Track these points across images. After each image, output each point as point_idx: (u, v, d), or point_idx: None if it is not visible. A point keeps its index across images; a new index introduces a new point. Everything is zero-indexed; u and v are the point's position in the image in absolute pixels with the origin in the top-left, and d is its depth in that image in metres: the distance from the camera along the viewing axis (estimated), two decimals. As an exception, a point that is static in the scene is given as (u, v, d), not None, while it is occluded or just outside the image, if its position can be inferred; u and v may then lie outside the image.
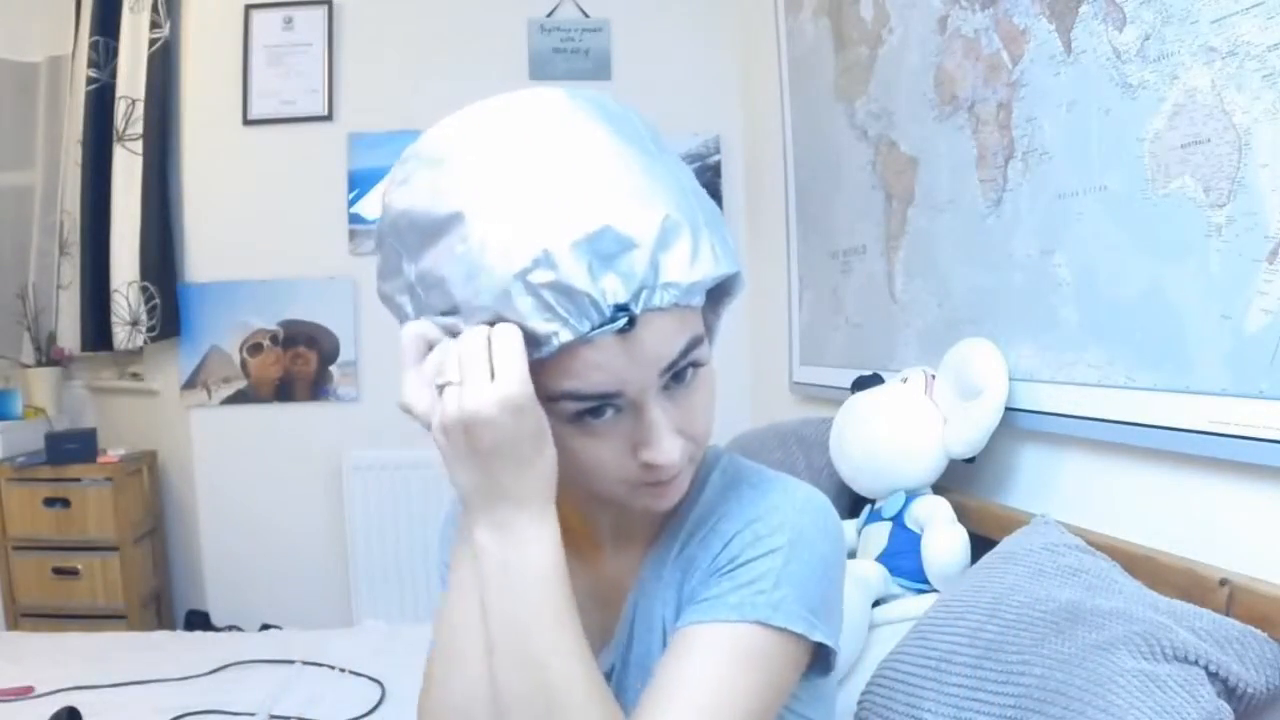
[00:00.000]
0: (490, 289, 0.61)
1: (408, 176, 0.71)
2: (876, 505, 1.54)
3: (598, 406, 0.64)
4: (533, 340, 0.61)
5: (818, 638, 0.71)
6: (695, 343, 0.66)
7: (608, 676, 0.76)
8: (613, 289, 0.60)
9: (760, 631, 0.68)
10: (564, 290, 0.59)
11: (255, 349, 2.93)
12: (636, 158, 0.64)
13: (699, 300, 0.65)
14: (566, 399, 0.64)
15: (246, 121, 2.92)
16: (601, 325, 0.60)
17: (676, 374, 0.65)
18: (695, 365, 0.67)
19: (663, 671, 0.69)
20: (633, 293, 0.60)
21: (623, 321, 0.60)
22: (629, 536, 0.80)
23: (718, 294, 0.71)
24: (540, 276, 0.59)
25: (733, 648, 0.68)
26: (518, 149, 0.64)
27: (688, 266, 0.62)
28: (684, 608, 0.72)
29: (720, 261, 0.65)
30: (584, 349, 0.61)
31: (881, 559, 1.45)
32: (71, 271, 3.01)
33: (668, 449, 0.65)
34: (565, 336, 0.60)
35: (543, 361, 0.62)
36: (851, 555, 1.55)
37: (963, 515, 1.43)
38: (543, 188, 0.61)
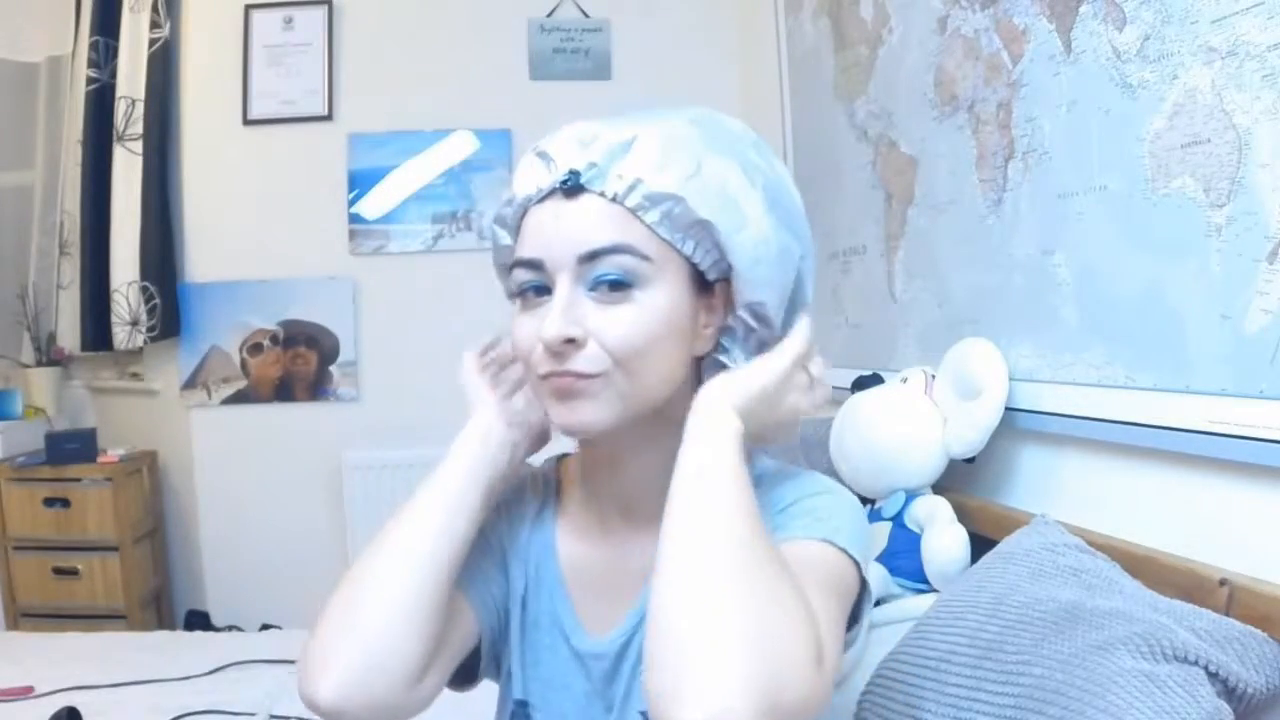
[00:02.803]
0: (518, 169, 0.76)
1: None
2: (877, 505, 1.54)
3: (533, 283, 0.71)
4: (513, 205, 0.74)
5: (866, 575, 0.75)
6: (626, 249, 0.69)
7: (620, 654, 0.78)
8: (574, 159, 0.71)
9: (828, 548, 0.72)
10: (543, 155, 0.73)
11: (255, 349, 2.93)
12: (691, 132, 0.73)
13: (649, 211, 0.69)
14: (514, 266, 0.73)
15: (246, 121, 2.92)
16: (552, 184, 0.71)
17: (605, 278, 0.69)
18: (617, 279, 0.69)
19: None
20: (585, 166, 0.70)
21: (562, 179, 0.70)
22: (642, 519, 0.78)
23: (713, 260, 0.73)
24: (539, 147, 0.73)
25: (808, 557, 0.70)
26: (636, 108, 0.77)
27: (645, 170, 0.69)
28: None
29: (690, 194, 0.69)
30: (534, 211, 0.72)
31: (881, 559, 1.45)
32: (71, 271, 3.01)
33: (549, 325, 0.68)
34: (528, 190, 0.72)
35: (519, 230, 0.74)
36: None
37: (963, 515, 1.43)
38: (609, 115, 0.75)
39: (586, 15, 2.97)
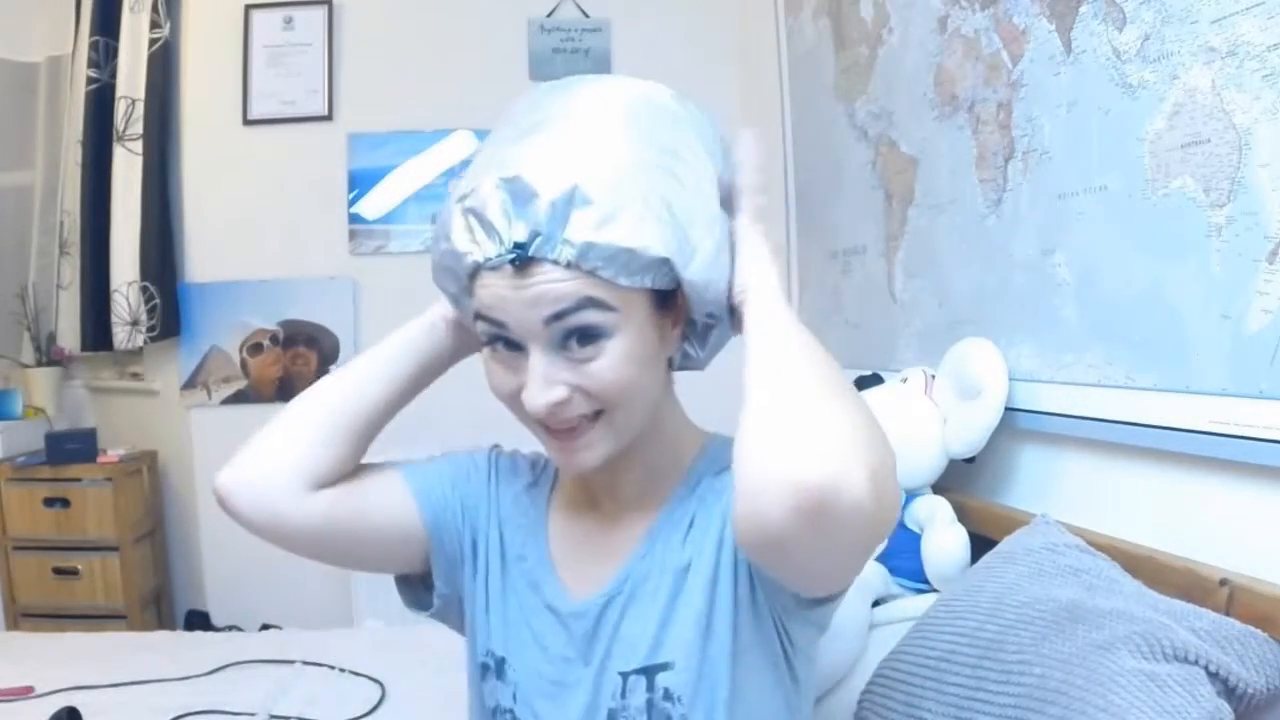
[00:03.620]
0: (444, 214, 0.74)
1: None
2: (876, 505, 1.54)
3: (496, 335, 0.72)
4: (461, 262, 0.72)
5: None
6: (588, 304, 0.69)
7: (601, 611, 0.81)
8: (517, 230, 0.68)
9: None
10: (480, 218, 0.70)
11: (255, 349, 2.93)
12: (617, 136, 0.71)
13: (605, 268, 0.69)
14: (478, 319, 0.74)
15: (246, 121, 2.92)
16: (499, 256, 0.69)
17: (573, 333, 0.70)
18: (586, 333, 0.70)
19: None
20: (530, 236, 0.68)
21: (510, 256, 0.68)
22: (628, 498, 0.84)
23: (665, 291, 0.75)
24: (468, 203, 0.70)
25: None
26: (523, 108, 0.79)
27: (592, 229, 0.68)
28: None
29: (642, 238, 0.69)
30: (488, 276, 0.71)
31: (881, 559, 1.45)
32: (71, 271, 3.01)
33: (533, 395, 0.71)
34: (475, 257, 0.70)
35: (473, 280, 0.72)
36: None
37: (963, 515, 1.43)
38: (506, 139, 0.73)
39: (586, 15, 2.97)
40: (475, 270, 0.71)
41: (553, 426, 0.74)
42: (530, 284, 0.69)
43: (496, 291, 0.70)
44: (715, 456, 0.84)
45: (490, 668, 0.87)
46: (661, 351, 0.77)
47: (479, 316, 0.73)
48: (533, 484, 0.92)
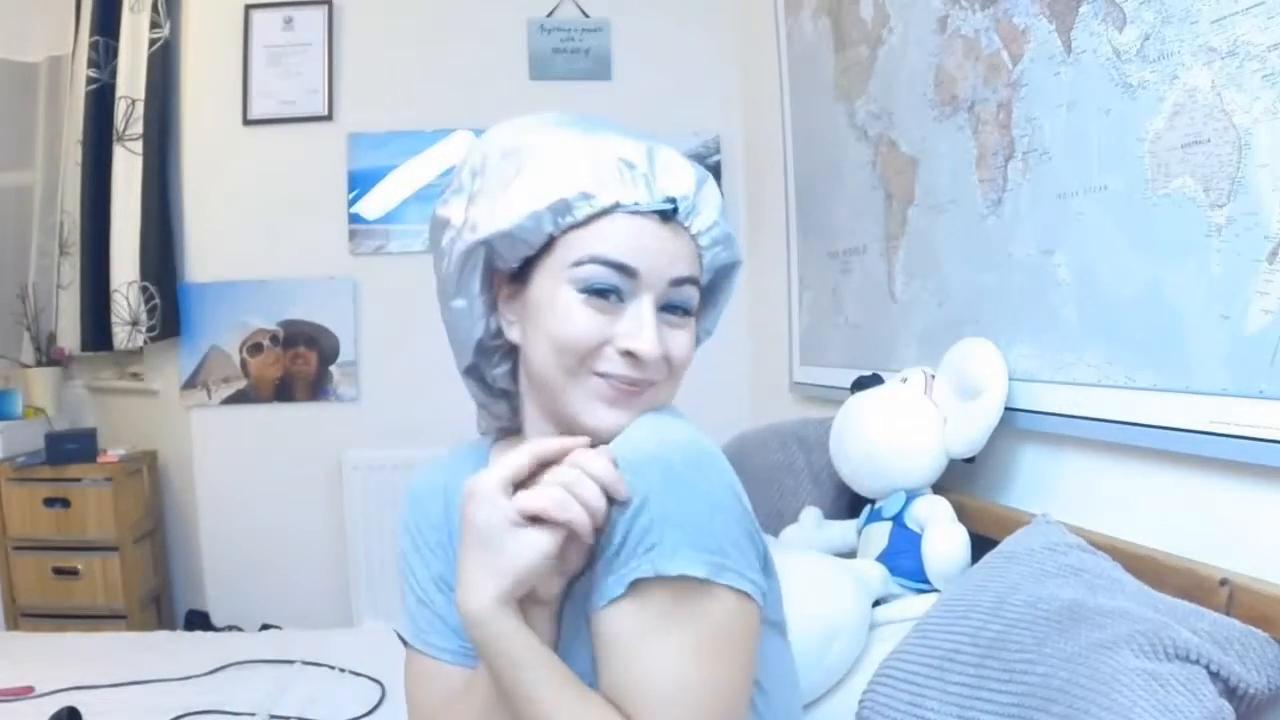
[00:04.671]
0: (551, 159, 0.76)
1: None
2: (877, 505, 1.54)
3: (608, 288, 0.73)
4: (591, 202, 0.74)
5: (727, 580, 0.68)
6: (694, 282, 0.77)
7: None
8: (672, 185, 0.75)
9: (660, 590, 0.67)
10: (633, 166, 0.74)
11: (255, 349, 2.92)
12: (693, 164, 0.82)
13: (711, 249, 0.78)
14: (593, 263, 0.73)
15: (246, 121, 2.92)
16: (652, 203, 0.74)
17: (676, 304, 0.76)
18: (687, 307, 0.77)
19: (602, 676, 0.70)
20: (681, 197, 0.75)
21: (666, 206, 0.74)
22: None
23: (712, 282, 0.83)
24: (617, 153, 0.75)
25: (642, 622, 0.67)
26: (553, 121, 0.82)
27: (715, 214, 0.78)
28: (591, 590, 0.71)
29: (731, 238, 0.80)
30: (628, 221, 0.74)
31: (882, 559, 1.45)
32: (71, 271, 3.01)
33: (650, 339, 0.73)
34: (619, 198, 0.73)
35: (589, 225, 0.74)
36: (852, 555, 1.55)
37: (963, 515, 1.43)
38: (612, 131, 0.80)
39: (586, 15, 2.97)
40: (603, 212, 0.74)
41: (627, 378, 0.74)
42: (670, 239, 0.75)
43: (638, 236, 0.74)
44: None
45: None
46: None
47: (596, 260, 0.73)
48: (446, 502, 0.87)
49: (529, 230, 0.75)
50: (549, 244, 0.75)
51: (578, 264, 0.74)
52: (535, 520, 0.68)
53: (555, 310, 0.74)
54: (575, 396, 0.75)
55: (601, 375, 0.74)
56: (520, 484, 0.71)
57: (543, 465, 0.71)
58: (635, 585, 0.67)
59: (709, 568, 0.67)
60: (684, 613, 0.67)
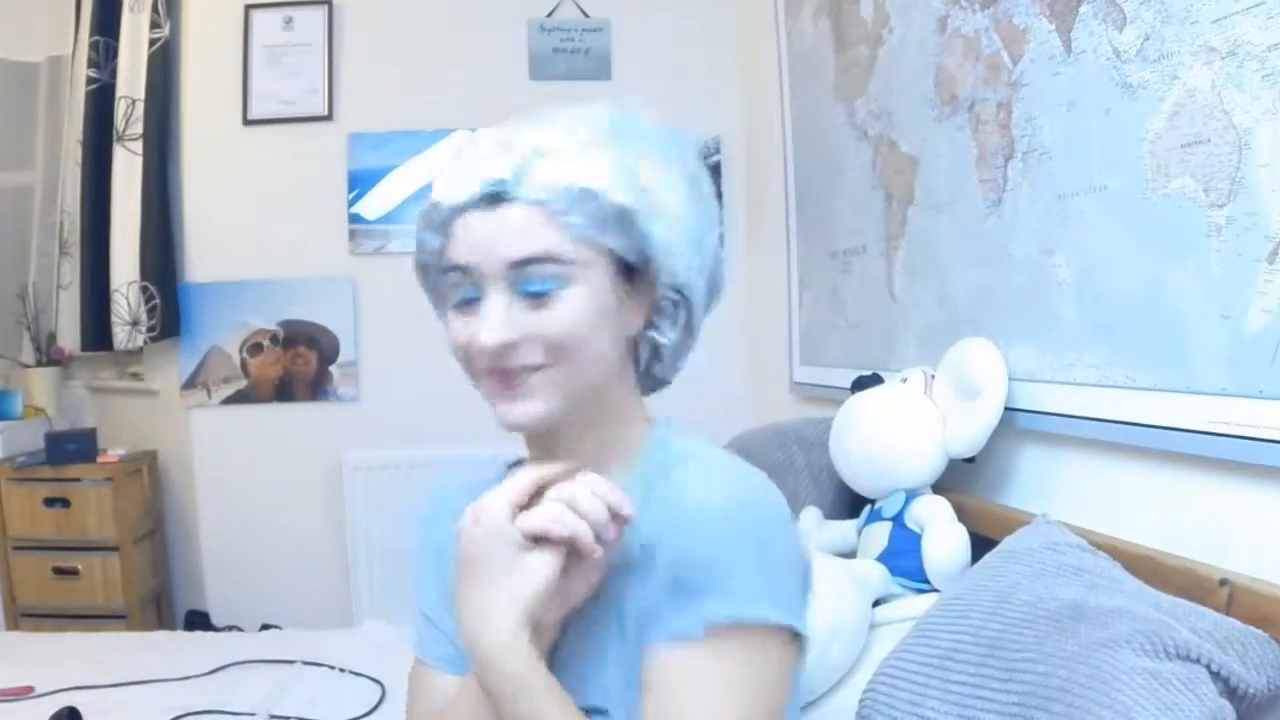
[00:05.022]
0: (437, 174, 0.76)
1: None
2: (876, 505, 1.54)
3: (460, 291, 0.74)
4: (438, 211, 0.74)
5: (790, 623, 0.70)
6: (548, 258, 0.71)
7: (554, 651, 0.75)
8: (493, 168, 0.72)
9: (731, 634, 0.68)
10: (463, 161, 0.74)
11: (255, 349, 2.92)
12: (591, 120, 0.75)
13: (569, 212, 0.71)
14: (443, 273, 0.75)
15: (246, 121, 2.92)
16: (472, 195, 0.72)
17: (531, 285, 0.72)
18: (549, 284, 0.72)
19: (653, 707, 0.69)
20: (505, 172, 0.71)
21: (487, 190, 0.71)
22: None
23: (635, 255, 0.75)
24: (457, 154, 0.75)
25: (711, 664, 0.68)
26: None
27: (560, 172, 0.71)
28: (643, 622, 0.71)
29: (604, 184, 0.71)
30: (462, 219, 0.73)
31: (882, 559, 1.45)
32: (71, 271, 3.01)
33: (485, 329, 0.72)
34: (451, 200, 0.73)
35: (449, 234, 0.74)
36: (852, 555, 1.55)
37: (963, 515, 1.43)
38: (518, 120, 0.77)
39: (586, 15, 2.97)
40: (450, 218, 0.74)
41: (500, 369, 0.73)
42: (500, 224, 0.71)
43: (468, 234, 0.73)
44: (663, 448, 0.79)
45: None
46: (618, 317, 0.76)
47: (449, 269, 0.75)
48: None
49: (421, 257, 0.79)
50: None
51: (448, 270, 0.75)
52: (538, 541, 0.68)
53: (447, 327, 0.77)
54: (485, 399, 0.76)
55: (483, 371, 0.74)
56: (524, 507, 0.71)
57: (545, 487, 0.72)
58: (709, 628, 0.68)
59: (781, 612, 0.69)
60: (750, 655, 0.69)
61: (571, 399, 0.75)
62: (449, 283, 0.75)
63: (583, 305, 0.72)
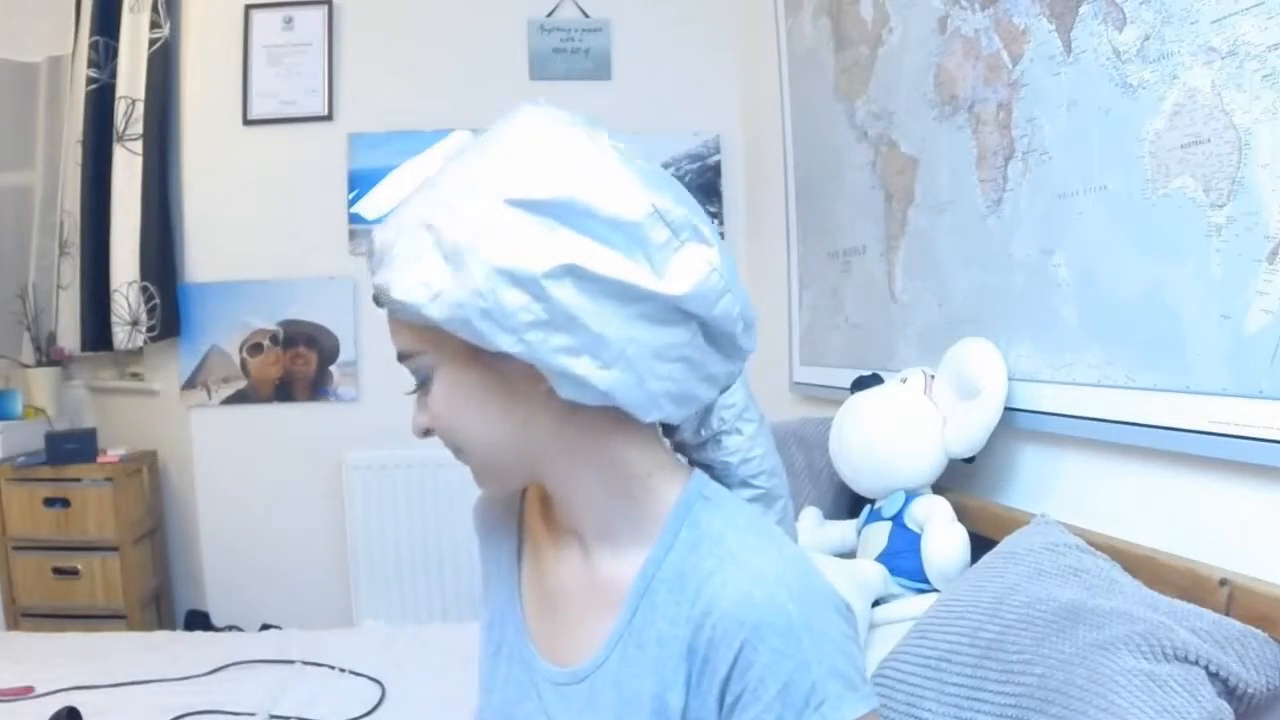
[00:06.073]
0: None
1: None
2: (876, 505, 1.54)
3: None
4: None
5: (874, 706, 0.68)
6: (406, 355, 0.72)
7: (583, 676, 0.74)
8: (377, 268, 0.71)
9: None
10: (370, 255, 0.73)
11: (255, 349, 2.93)
12: (467, 169, 0.71)
13: (398, 311, 0.69)
14: None
15: (246, 121, 2.92)
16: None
17: (415, 375, 0.73)
18: (422, 378, 0.73)
19: None
20: (379, 278, 0.70)
21: (374, 293, 0.71)
22: (590, 543, 0.77)
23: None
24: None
25: None
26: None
27: (378, 275, 0.70)
28: None
29: (407, 306, 0.67)
30: None
31: (881, 559, 1.45)
32: (71, 271, 3.01)
33: (412, 420, 0.75)
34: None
35: None
36: (851, 555, 1.55)
37: (962, 515, 1.43)
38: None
39: (586, 15, 2.97)
40: None
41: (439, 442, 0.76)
42: (391, 321, 0.73)
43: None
44: (693, 528, 0.73)
45: None
46: (504, 395, 0.70)
47: None
48: (509, 533, 0.87)
49: None
50: None
51: None
52: None
53: None
54: None
55: None
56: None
57: None
58: None
59: (865, 702, 0.67)
60: None
61: (494, 478, 0.77)
62: None
63: (446, 392, 0.72)
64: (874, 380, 1.68)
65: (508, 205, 0.65)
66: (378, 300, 0.71)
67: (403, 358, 0.73)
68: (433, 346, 0.71)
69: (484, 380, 0.71)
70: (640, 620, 0.73)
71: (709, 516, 0.74)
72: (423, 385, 0.73)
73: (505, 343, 0.65)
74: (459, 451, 0.75)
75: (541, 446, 0.73)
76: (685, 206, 0.67)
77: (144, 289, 2.84)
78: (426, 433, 0.75)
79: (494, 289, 0.64)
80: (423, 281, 0.66)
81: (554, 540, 0.81)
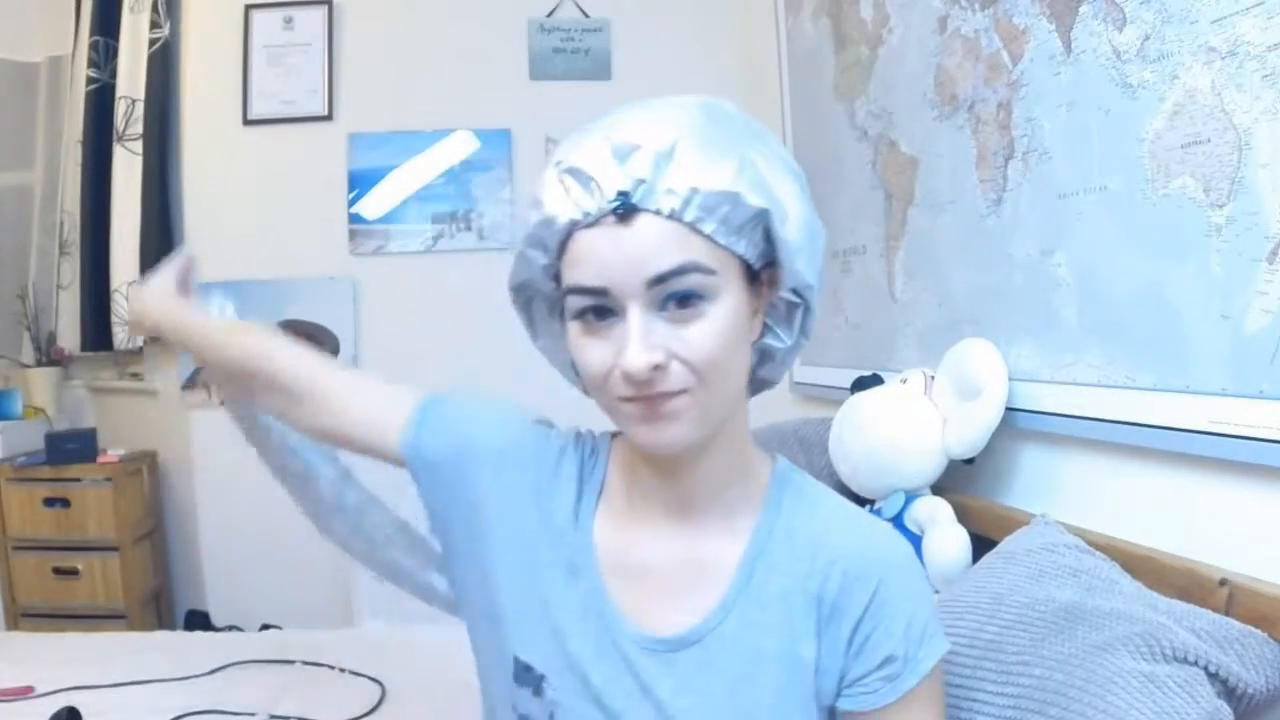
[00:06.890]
0: (537, 187, 0.72)
1: None
2: (876, 506, 1.54)
3: (593, 306, 0.69)
4: (553, 228, 0.70)
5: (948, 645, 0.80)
6: (693, 268, 0.67)
7: (679, 645, 0.77)
8: (619, 179, 0.66)
9: (937, 671, 0.77)
10: (578, 175, 0.68)
11: (255, 349, 2.92)
12: (706, 118, 0.72)
13: (707, 220, 0.67)
14: (571, 293, 0.70)
15: (246, 121, 2.92)
16: (599, 210, 0.67)
17: (674, 296, 0.67)
18: (695, 295, 0.68)
19: None
20: (633, 185, 0.66)
21: (614, 205, 0.66)
22: (694, 517, 0.79)
23: (767, 260, 0.74)
24: (566, 164, 0.69)
25: (933, 698, 0.78)
26: (631, 105, 0.75)
27: (695, 176, 0.66)
28: (840, 688, 0.76)
29: (741, 187, 0.68)
30: (585, 236, 0.68)
31: (881, 559, 1.45)
32: (71, 271, 3.01)
33: (632, 356, 0.66)
34: (570, 215, 0.68)
35: (565, 251, 0.70)
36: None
37: (962, 515, 1.43)
38: (598, 119, 0.73)
39: (586, 15, 2.97)
40: (569, 233, 0.69)
41: (644, 396, 0.69)
42: (633, 239, 0.66)
43: (596, 252, 0.68)
44: (788, 485, 0.81)
45: (521, 675, 0.80)
46: (749, 333, 0.74)
47: (571, 290, 0.70)
48: (578, 497, 0.83)
49: (525, 273, 0.76)
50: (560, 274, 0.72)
51: (565, 297, 0.71)
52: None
53: (572, 347, 0.72)
54: (620, 423, 0.74)
55: (623, 399, 0.70)
56: None
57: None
58: (923, 678, 0.76)
59: (945, 640, 0.80)
60: (939, 677, 0.80)
61: (712, 423, 0.73)
62: (571, 305, 0.71)
63: (725, 322, 0.69)
64: (874, 380, 1.68)
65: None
66: (632, 207, 0.66)
67: (680, 273, 0.66)
68: (722, 269, 0.69)
69: (745, 314, 0.73)
70: (759, 580, 0.77)
71: (802, 483, 0.82)
72: (686, 307, 0.68)
73: (814, 277, 0.76)
74: (683, 393, 0.69)
75: (737, 398, 0.76)
76: None
77: (144, 289, 2.84)
78: (656, 367, 0.67)
79: (788, 186, 0.73)
80: (775, 198, 0.70)
81: (633, 513, 0.81)
